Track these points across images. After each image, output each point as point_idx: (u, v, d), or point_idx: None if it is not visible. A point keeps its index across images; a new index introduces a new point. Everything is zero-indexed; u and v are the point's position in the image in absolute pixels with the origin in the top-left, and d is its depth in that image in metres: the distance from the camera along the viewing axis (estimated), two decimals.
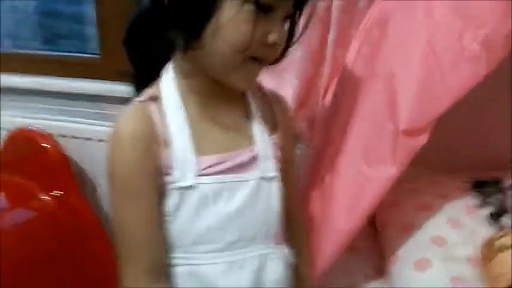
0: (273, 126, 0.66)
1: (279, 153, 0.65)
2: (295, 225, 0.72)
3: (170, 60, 0.61)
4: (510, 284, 0.66)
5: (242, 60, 0.56)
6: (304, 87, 0.95)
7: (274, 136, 0.66)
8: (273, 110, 0.68)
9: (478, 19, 0.70)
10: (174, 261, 0.60)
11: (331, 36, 0.92)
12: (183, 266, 0.60)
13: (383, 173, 0.70)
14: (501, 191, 1.01)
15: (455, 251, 0.82)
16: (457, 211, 0.91)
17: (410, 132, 0.69)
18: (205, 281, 0.59)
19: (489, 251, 0.71)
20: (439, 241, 0.84)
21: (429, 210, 0.91)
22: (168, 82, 0.60)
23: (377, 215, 1.01)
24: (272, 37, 0.55)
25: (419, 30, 0.74)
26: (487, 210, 0.93)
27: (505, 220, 0.90)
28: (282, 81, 1.02)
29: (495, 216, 0.91)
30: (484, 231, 0.87)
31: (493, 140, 1.13)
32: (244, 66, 0.56)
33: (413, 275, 0.81)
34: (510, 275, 0.66)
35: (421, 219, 0.89)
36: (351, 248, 0.94)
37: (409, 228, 0.89)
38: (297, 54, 0.93)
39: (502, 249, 0.69)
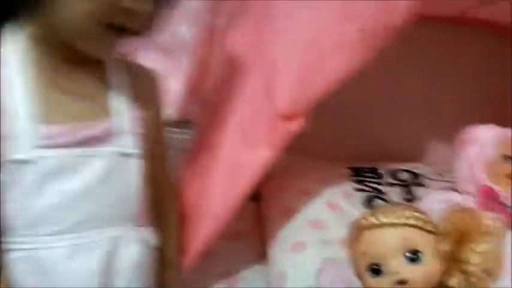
0: (135, 100, 0.62)
1: (143, 129, 0.61)
2: (164, 208, 0.68)
3: (18, 20, 0.55)
4: (373, 261, 0.68)
5: (96, 27, 0.51)
6: (197, 70, 0.92)
7: (136, 111, 0.61)
8: (138, 83, 0.63)
9: (359, 8, 0.71)
10: (9, 246, 0.54)
11: (220, 19, 0.90)
12: (19, 251, 0.54)
13: (258, 157, 0.69)
14: (377, 177, 1.08)
15: (330, 233, 0.84)
16: (335, 195, 0.94)
17: (287, 117, 0.69)
18: (44, 267, 0.54)
19: (356, 230, 0.72)
20: (316, 224, 0.86)
21: (309, 194, 0.93)
22: (14, 44, 0.54)
23: (262, 201, 1.01)
24: (127, 1, 0.51)
25: (301, 16, 0.75)
26: (363, 195, 0.98)
27: (377, 202, 0.96)
28: (176, 62, 0.98)
29: (370, 200, 0.97)
30: (358, 214, 0.90)
31: (371, 131, 1.19)
32: (99, 33, 0.52)
33: (289, 257, 0.82)
34: (373, 253, 0.68)
35: (301, 203, 0.91)
36: (235, 235, 0.96)
37: (289, 212, 0.90)
38: (190, 35, 0.90)
39: (368, 227, 0.70)
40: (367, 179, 1.05)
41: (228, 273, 0.84)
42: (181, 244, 0.71)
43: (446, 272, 0.70)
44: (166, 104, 1.03)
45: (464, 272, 0.70)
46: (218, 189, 0.71)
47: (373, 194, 0.98)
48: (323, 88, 0.70)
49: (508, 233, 0.74)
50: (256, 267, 0.87)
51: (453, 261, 0.70)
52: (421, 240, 0.69)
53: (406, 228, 0.69)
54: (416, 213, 0.71)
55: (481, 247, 0.70)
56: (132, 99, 0.61)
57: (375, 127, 1.20)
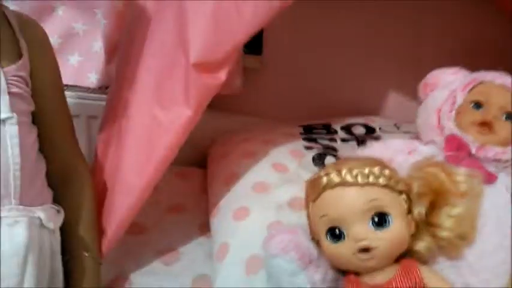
0: (13, 55, 0.53)
1: (25, 88, 0.53)
2: (73, 183, 0.60)
3: None
4: (334, 224, 0.60)
5: None
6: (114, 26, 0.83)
7: (13, 66, 0.52)
8: (17, 37, 0.54)
9: None
10: None
11: None
12: None
13: (177, 116, 0.61)
14: (329, 133, 1.01)
15: (275, 196, 0.77)
16: (282, 156, 0.87)
17: (203, 68, 0.61)
18: None
19: (315, 189, 0.63)
20: (261, 188, 0.79)
21: (253, 157, 0.86)
22: None
23: (208, 169, 0.94)
24: None
25: None
26: (313, 153, 0.90)
27: (329, 160, 0.89)
28: (94, 19, 0.89)
29: (320, 158, 0.90)
30: (307, 173, 0.83)
31: (325, 87, 1.12)
32: None
33: (231, 225, 0.75)
34: (334, 215, 0.60)
35: (245, 167, 0.83)
36: (178, 207, 0.89)
37: (232, 178, 0.83)
38: None
39: (330, 186, 0.61)
40: (319, 136, 0.97)
41: (168, 249, 0.77)
42: (97, 223, 0.63)
43: (414, 235, 0.62)
44: (89, 68, 0.96)
45: (435, 237, 0.62)
46: (133, 157, 0.63)
47: (325, 151, 0.91)
48: (240, 34, 0.62)
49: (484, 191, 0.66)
50: (200, 240, 0.80)
51: (423, 224, 0.62)
52: (391, 202, 0.61)
53: (375, 188, 0.60)
54: (386, 171, 0.62)
55: (456, 210, 0.62)
56: (9, 54, 0.53)
57: (328, 83, 1.13)
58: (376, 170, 0.61)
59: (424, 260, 0.62)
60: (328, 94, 1.12)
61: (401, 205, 0.61)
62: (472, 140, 0.72)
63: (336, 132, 1.01)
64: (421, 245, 0.62)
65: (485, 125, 0.72)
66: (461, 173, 0.64)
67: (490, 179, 0.71)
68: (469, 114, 0.74)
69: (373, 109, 1.14)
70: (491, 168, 0.73)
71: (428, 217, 0.62)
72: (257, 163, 0.84)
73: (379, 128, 1.02)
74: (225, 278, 0.69)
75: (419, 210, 0.62)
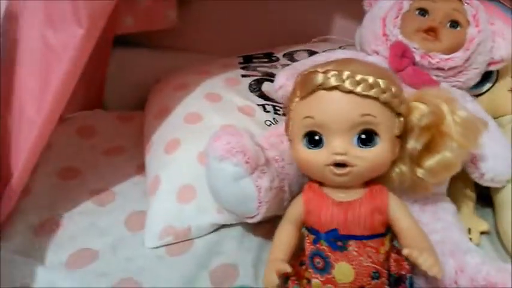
0: None
1: None
2: None
3: None
4: (315, 129, 0.54)
5: None
6: None
7: None
8: None
9: None
10: None
11: None
12: None
13: (69, 37, 0.55)
14: (271, 61, 0.96)
15: (208, 125, 0.73)
16: (216, 85, 0.82)
17: None
18: None
19: (308, 85, 0.54)
20: (192, 118, 0.75)
21: (186, 89, 0.81)
22: None
23: (145, 108, 0.90)
24: None
25: None
26: (249, 80, 0.86)
27: (266, 86, 0.85)
28: None
29: (257, 84, 0.86)
30: (241, 100, 0.80)
31: (265, 15, 1.06)
32: None
33: (162, 158, 0.72)
34: (320, 120, 0.53)
35: (177, 100, 0.79)
36: (117, 149, 0.85)
37: (163, 112, 0.79)
38: None
39: (325, 87, 0.52)
40: (259, 65, 0.93)
41: (102, 190, 0.74)
42: None
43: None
44: None
45: (411, 171, 0.58)
46: (29, 86, 0.58)
47: (263, 77, 0.87)
48: None
49: None
50: (137, 179, 0.77)
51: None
52: (385, 122, 0.54)
53: (374, 103, 0.53)
54: (393, 87, 0.54)
55: (443, 155, 0.57)
56: None
57: (270, 11, 1.06)
58: (382, 83, 0.53)
59: (392, 188, 0.57)
60: (270, 22, 1.06)
61: (394, 128, 0.55)
62: (416, 46, 0.70)
63: (277, 59, 0.96)
64: (395, 171, 0.58)
65: (431, 31, 0.70)
66: (464, 116, 0.58)
67: (434, 84, 0.69)
68: (414, 20, 0.72)
69: (318, 36, 1.09)
70: (433, 77, 0.71)
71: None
72: (189, 94, 0.80)
73: (323, 52, 0.98)
74: (156, 209, 0.67)
75: (415, 146, 0.57)
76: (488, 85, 0.80)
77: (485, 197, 0.75)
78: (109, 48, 0.99)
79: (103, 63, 0.99)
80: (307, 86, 0.54)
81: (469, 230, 0.69)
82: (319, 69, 0.54)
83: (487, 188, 0.72)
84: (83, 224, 0.68)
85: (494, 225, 0.72)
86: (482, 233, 0.70)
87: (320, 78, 0.53)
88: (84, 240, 0.65)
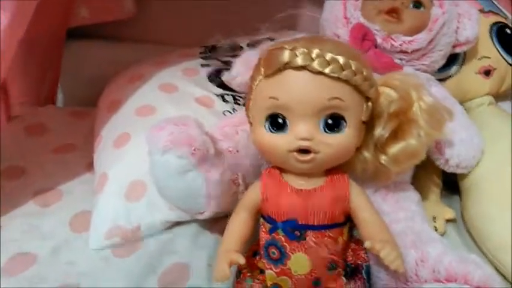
0: None
1: None
2: None
3: None
4: (279, 111, 0.49)
5: None
6: None
7: None
8: None
9: None
10: None
11: None
12: None
13: None
14: (234, 51, 0.93)
15: (162, 117, 0.68)
16: (172, 76, 0.78)
17: None
18: None
19: (269, 64, 0.49)
20: (145, 111, 0.70)
21: (139, 80, 0.77)
22: None
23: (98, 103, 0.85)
24: None
25: None
26: (209, 69, 0.81)
27: (226, 75, 0.81)
28: None
29: (217, 73, 0.82)
30: (199, 90, 0.75)
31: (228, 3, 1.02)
32: None
33: (111, 154, 0.67)
34: (285, 103, 0.49)
35: (129, 92, 0.74)
36: (67, 147, 0.80)
37: (114, 105, 0.74)
38: None
39: (287, 66, 0.48)
40: (221, 54, 0.88)
41: (48, 189, 0.69)
42: None
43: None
44: None
45: (374, 157, 0.55)
46: None
47: (223, 66, 0.82)
48: None
49: None
50: (86, 177, 0.72)
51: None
52: (353, 107, 0.50)
53: (343, 86, 0.49)
54: (364, 70, 0.50)
55: (408, 143, 0.54)
56: None
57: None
58: (353, 64, 0.49)
59: (354, 175, 0.54)
60: (233, 11, 1.02)
61: (361, 112, 0.51)
62: (378, 28, 0.66)
63: (241, 48, 0.92)
64: (359, 158, 0.54)
65: (393, 13, 0.66)
66: (431, 103, 0.55)
67: (396, 68, 0.66)
68: (376, 2, 0.68)
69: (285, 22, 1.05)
70: (396, 61, 0.68)
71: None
72: (143, 86, 0.75)
73: None
74: (102, 208, 0.62)
75: (383, 133, 0.54)
76: (455, 68, 0.77)
77: (454, 184, 0.72)
78: (62, 41, 0.94)
79: (56, 57, 0.94)
80: (272, 64, 0.49)
81: (434, 218, 0.66)
82: (286, 46, 0.49)
83: (455, 175, 0.70)
84: (24, 227, 0.62)
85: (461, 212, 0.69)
86: (448, 220, 0.68)
87: (287, 55, 0.48)
88: (23, 244, 0.60)
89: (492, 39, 0.78)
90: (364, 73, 0.50)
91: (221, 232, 0.59)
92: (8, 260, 0.58)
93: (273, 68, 0.49)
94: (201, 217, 0.57)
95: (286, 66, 0.48)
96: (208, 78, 0.80)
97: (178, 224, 0.63)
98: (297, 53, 0.48)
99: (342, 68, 0.48)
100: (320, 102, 0.48)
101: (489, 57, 0.77)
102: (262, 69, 0.51)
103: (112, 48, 1.01)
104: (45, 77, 0.92)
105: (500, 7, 0.84)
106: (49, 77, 0.93)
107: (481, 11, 0.79)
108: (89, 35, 0.99)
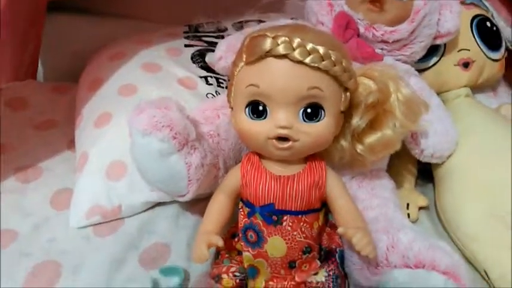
0: None
1: None
2: None
3: None
4: (259, 99, 0.50)
5: None
6: None
7: None
8: None
9: None
10: None
11: None
12: None
13: None
14: (218, 31, 0.92)
15: (143, 98, 0.67)
16: (156, 55, 0.78)
17: None
18: None
19: (250, 51, 0.50)
20: (126, 90, 0.70)
21: (122, 58, 0.76)
22: None
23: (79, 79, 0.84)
24: None
25: None
26: (192, 50, 0.81)
27: (209, 57, 0.81)
28: None
29: (200, 55, 0.81)
30: (182, 71, 0.75)
31: None
32: None
33: (92, 133, 0.67)
34: (265, 90, 0.49)
35: (111, 70, 0.74)
36: (48, 123, 0.80)
37: (96, 83, 0.74)
38: None
39: (268, 54, 0.48)
40: (205, 34, 0.88)
41: (29, 166, 0.69)
42: None
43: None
44: None
45: (351, 145, 0.56)
46: None
47: (207, 48, 0.83)
48: None
49: None
50: (67, 155, 0.72)
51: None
52: (332, 96, 0.51)
53: (323, 76, 0.50)
54: (344, 60, 0.51)
55: (384, 133, 0.56)
56: None
57: None
58: (333, 54, 0.49)
59: (331, 162, 0.56)
60: None
61: (340, 102, 0.52)
62: (361, 17, 0.67)
63: (226, 29, 0.92)
64: (336, 146, 0.56)
65: (376, 2, 0.67)
66: (408, 95, 0.56)
67: (377, 58, 0.67)
68: None
69: (272, 6, 1.05)
70: (377, 51, 0.69)
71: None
72: (125, 64, 0.75)
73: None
74: (83, 187, 0.63)
75: (360, 123, 0.55)
76: (434, 59, 0.78)
77: (429, 172, 0.74)
78: (43, 14, 0.91)
79: (37, 31, 0.92)
80: (254, 51, 0.50)
81: (408, 205, 0.69)
82: (268, 34, 0.50)
83: (430, 164, 0.72)
84: (5, 203, 0.63)
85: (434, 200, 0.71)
86: (421, 208, 0.70)
87: (269, 43, 0.49)
88: (4, 221, 0.60)
89: (472, 32, 0.79)
90: (344, 64, 0.51)
91: (201, 213, 0.61)
92: None
93: (255, 55, 0.50)
94: (181, 199, 0.58)
95: (268, 54, 0.49)
96: (192, 59, 0.80)
97: (159, 204, 0.64)
98: (279, 41, 0.49)
99: (322, 58, 0.49)
100: (300, 91, 0.49)
101: (468, 50, 0.78)
102: (244, 56, 0.51)
103: (94, 23, 0.99)
104: (26, 51, 0.90)
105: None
106: (29, 50, 0.91)
107: (463, 3, 0.79)
108: (72, 9, 0.97)
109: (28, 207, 0.63)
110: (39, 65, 0.95)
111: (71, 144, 0.74)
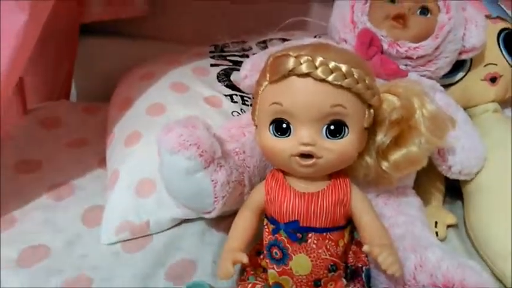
0: None
1: None
2: None
3: None
4: (284, 117, 0.51)
5: None
6: None
7: None
8: None
9: None
10: None
11: None
12: None
13: (14, 24, 0.53)
14: (243, 50, 0.94)
15: (171, 117, 0.70)
16: (183, 75, 0.80)
17: None
18: None
19: (274, 70, 0.51)
20: (155, 110, 0.72)
21: (151, 78, 0.79)
22: None
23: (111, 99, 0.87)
24: None
25: None
26: (218, 69, 0.83)
27: (235, 75, 0.83)
28: None
29: (226, 74, 0.83)
30: (208, 90, 0.77)
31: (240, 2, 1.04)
32: None
33: (122, 152, 0.69)
34: (289, 109, 0.50)
35: (140, 90, 0.77)
36: (80, 142, 0.82)
37: (126, 103, 0.76)
38: None
39: (292, 73, 0.49)
40: (231, 54, 0.90)
41: (61, 184, 0.71)
42: None
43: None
44: None
45: (376, 162, 0.56)
46: None
47: (233, 67, 0.84)
48: None
49: None
50: (98, 173, 0.75)
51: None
52: (355, 113, 0.51)
53: (346, 93, 0.50)
54: (367, 78, 0.51)
55: (409, 150, 0.56)
56: None
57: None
58: (356, 72, 0.50)
59: (356, 180, 0.56)
60: (245, 9, 1.04)
61: (363, 120, 0.53)
62: (384, 34, 0.67)
63: (250, 49, 0.93)
64: (361, 163, 0.56)
65: (399, 19, 0.67)
66: (433, 111, 0.56)
67: (401, 74, 0.67)
68: (383, 7, 0.69)
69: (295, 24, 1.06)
70: (402, 67, 0.69)
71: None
72: (154, 84, 0.77)
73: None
74: (113, 204, 0.65)
75: (384, 140, 0.55)
76: (460, 74, 0.78)
77: (458, 190, 0.73)
78: (76, 37, 0.96)
79: (70, 53, 0.96)
80: (277, 70, 0.51)
81: (436, 223, 0.68)
82: (291, 53, 0.51)
83: (458, 180, 0.71)
84: (38, 220, 0.65)
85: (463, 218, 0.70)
86: (450, 226, 0.69)
87: (292, 62, 0.50)
88: (37, 237, 0.63)
89: (499, 46, 0.78)
90: (367, 81, 0.51)
91: (227, 230, 0.61)
92: (22, 251, 0.61)
93: (278, 74, 0.51)
94: (207, 216, 0.59)
95: (291, 73, 0.50)
96: (218, 78, 0.81)
97: (185, 221, 0.66)
98: (301, 60, 0.50)
99: (345, 76, 0.50)
100: (323, 108, 0.50)
101: (496, 64, 0.77)
102: (268, 75, 0.53)
103: (125, 45, 1.03)
104: (60, 72, 0.94)
105: (508, 12, 0.84)
106: (63, 72, 0.95)
107: (488, 17, 0.79)
108: (103, 32, 1.01)
109: (60, 224, 0.65)
110: (73, 85, 0.99)
111: (101, 162, 0.76)
